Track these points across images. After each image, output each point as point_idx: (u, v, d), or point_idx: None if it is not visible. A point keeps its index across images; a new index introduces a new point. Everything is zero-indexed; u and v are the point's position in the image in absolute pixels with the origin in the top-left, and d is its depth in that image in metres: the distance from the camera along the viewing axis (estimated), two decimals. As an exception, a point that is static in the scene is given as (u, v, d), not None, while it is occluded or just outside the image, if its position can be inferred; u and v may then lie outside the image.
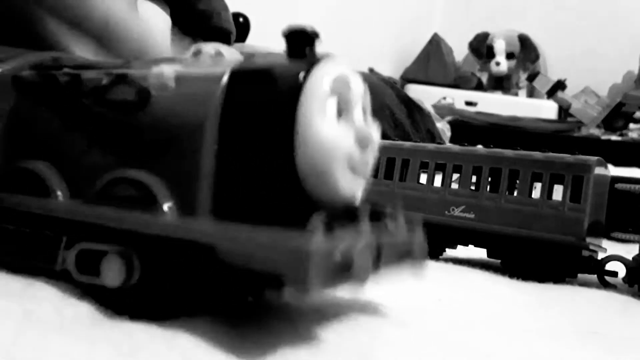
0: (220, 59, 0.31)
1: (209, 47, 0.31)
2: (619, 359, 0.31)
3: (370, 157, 0.29)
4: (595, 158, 0.57)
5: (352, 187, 0.28)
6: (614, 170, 1.05)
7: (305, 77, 0.27)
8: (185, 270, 0.28)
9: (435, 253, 0.61)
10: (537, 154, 0.58)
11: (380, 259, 0.27)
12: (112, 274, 0.28)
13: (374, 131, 0.29)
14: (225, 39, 1.30)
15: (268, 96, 0.27)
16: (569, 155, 0.57)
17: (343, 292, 0.28)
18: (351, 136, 0.27)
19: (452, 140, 1.49)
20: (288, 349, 0.26)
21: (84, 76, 0.32)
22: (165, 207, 0.28)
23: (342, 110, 0.28)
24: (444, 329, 0.32)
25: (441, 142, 1.33)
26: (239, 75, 0.28)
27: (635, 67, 1.94)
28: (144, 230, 0.28)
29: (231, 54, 0.31)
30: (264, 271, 0.26)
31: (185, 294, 0.28)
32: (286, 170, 0.26)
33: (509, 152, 0.59)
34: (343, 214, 0.28)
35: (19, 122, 0.34)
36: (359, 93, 0.29)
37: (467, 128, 1.72)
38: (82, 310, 0.27)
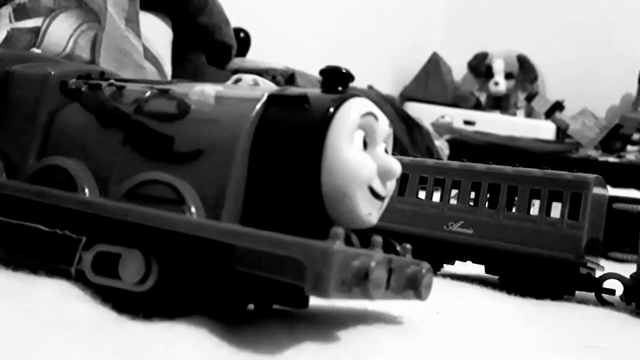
0: (258, 87, 0.34)
1: (248, 77, 0.35)
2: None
3: (390, 188, 0.31)
4: (594, 176, 0.57)
5: (371, 212, 0.30)
6: (611, 191, 1.05)
7: (337, 108, 0.29)
8: (202, 273, 0.29)
9: (433, 268, 0.61)
10: (535, 171, 0.59)
11: (390, 281, 0.28)
12: (131, 275, 0.29)
13: (397, 166, 0.31)
14: (226, 53, 1.31)
15: (301, 120, 0.29)
16: (567, 173, 0.57)
17: (346, 303, 0.28)
18: (374, 167, 0.30)
19: (450, 159, 1.49)
20: (288, 353, 0.26)
21: (127, 88, 0.34)
22: (192, 208, 0.29)
23: (368, 144, 0.30)
24: (442, 339, 0.32)
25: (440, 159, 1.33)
26: (276, 99, 0.31)
27: (633, 89, 1.95)
28: (168, 227, 0.28)
29: (267, 85, 0.33)
30: (280, 275, 0.26)
31: (199, 297, 0.29)
32: (311, 189, 0.29)
33: (507, 169, 0.60)
34: (359, 237, 0.30)
35: (58, 123, 0.35)
36: (385, 132, 0.31)
37: (465, 147, 1.73)
38: (83, 311, 0.27)
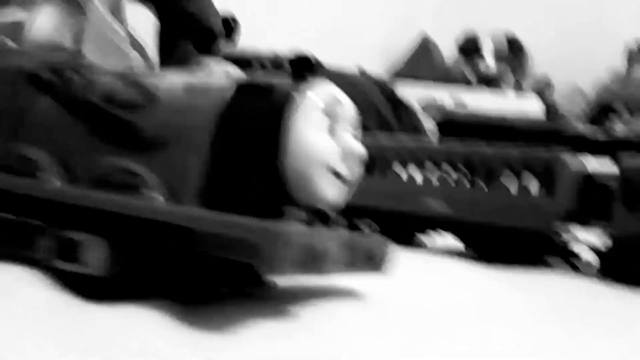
0: (228, 76, 0.34)
1: (219, 67, 0.35)
2: (573, 338, 0.32)
3: (356, 171, 0.32)
4: (568, 149, 0.59)
5: (334, 193, 0.31)
6: (594, 164, 1.06)
7: (301, 93, 0.30)
8: (164, 256, 0.29)
9: (408, 241, 0.63)
10: (511, 147, 0.60)
11: (348, 257, 0.30)
12: (94, 260, 0.30)
13: (361, 149, 0.32)
14: (214, 40, 1.31)
15: (266, 107, 0.31)
16: (541, 148, 0.59)
17: (310, 280, 0.29)
18: (336, 149, 0.31)
19: (439, 140, 1.50)
20: (243, 331, 0.27)
21: (96, 78, 0.35)
22: (155, 194, 0.30)
23: (332, 128, 0.31)
24: (402, 311, 0.33)
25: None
26: (243, 88, 0.32)
27: (622, 65, 1.96)
28: (129, 212, 0.29)
29: (237, 73, 0.34)
30: (239, 256, 0.28)
31: (162, 281, 0.30)
32: (274, 173, 0.30)
33: (484, 146, 0.61)
34: (321, 218, 0.31)
35: (29, 114, 0.36)
36: (349, 116, 0.32)
37: (455, 127, 1.73)
38: (44, 296, 0.28)
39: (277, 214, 0.27)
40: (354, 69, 1.68)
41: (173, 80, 0.33)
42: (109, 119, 0.33)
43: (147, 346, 0.24)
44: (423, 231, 0.63)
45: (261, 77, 0.33)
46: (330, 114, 0.31)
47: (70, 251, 0.30)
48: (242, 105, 0.31)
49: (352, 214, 0.33)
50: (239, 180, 0.30)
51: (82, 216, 0.31)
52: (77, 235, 0.30)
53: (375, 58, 2.14)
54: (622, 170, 0.57)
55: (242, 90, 0.32)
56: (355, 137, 0.33)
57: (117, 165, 0.32)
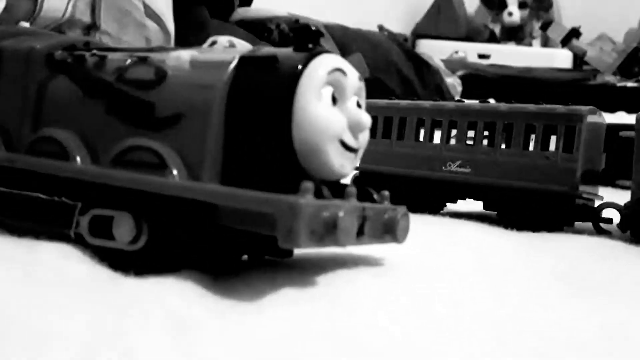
0: (232, 49, 0.35)
1: (223, 39, 0.36)
2: (582, 300, 0.32)
3: (362, 141, 0.33)
4: (588, 107, 0.57)
5: (343, 164, 0.31)
6: (624, 118, 1.04)
7: (305, 66, 0.30)
8: (189, 230, 0.31)
9: (435, 208, 0.63)
10: (530, 106, 0.59)
11: (364, 227, 0.30)
12: (123, 236, 0.31)
13: (367, 119, 0.32)
14: (229, 5, 1.30)
15: (271, 79, 0.31)
16: (561, 106, 0.58)
17: (328, 249, 0.30)
18: (344, 120, 0.31)
19: (463, 95, 1.48)
20: (267, 299, 0.28)
21: (109, 57, 0.36)
22: (175, 171, 0.31)
23: (337, 99, 0.31)
24: (420, 276, 0.34)
25: (449, 97, 1.32)
26: (246, 60, 0.32)
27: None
28: (154, 190, 0.30)
29: (243, 46, 0.34)
30: (259, 229, 0.28)
31: (188, 253, 0.31)
32: (283, 145, 0.30)
33: (502, 106, 0.60)
34: (334, 189, 0.31)
35: (48, 95, 0.37)
36: (355, 86, 0.32)
37: (480, 81, 1.71)
38: (81, 270, 0.30)
39: (292, 187, 0.28)
40: (374, 28, 1.66)
41: (179, 55, 0.33)
42: (122, 98, 0.34)
43: (174, 315, 0.25)
44: (451, 200, 0.63)
45: (264, 49, 0.33)
46: (335, 85, 0.31)
47: (101, 228, 0.32)
48: (248, 80, 0.31)
49: (373, 180, 0.33)
50: (251, 154, 0.31)
51: (110, 195, 0.32)
52: (106, 212, 0.32)
53: (396, 15, 2.10)
54: (639, 123, 0.56)
55: (246, 62, 0.32)
56: (360, 106, 0.33)
57: (136, 144, 0.33)
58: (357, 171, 0.63)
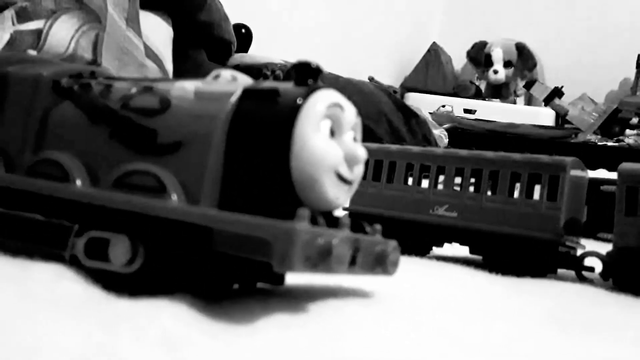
0: (235, 82, 0.36)
1: (227, 72, 0.37)
2: (570, 340, 0.33)
3: (357, 174, 0.34)
4: (571, 158, 0.60)
5: (338, 195, 0.32)
6: (603, 175, 1.07)
7: (304, 99, 0.32)
8: (184, 254, 0.31)
9: (422, 250, 0.64)
10: (516, 155, 0.61)
11: (357, 257, 0.31)
12: (119, 258, 0.31)
13: (362, 152, 0.33)
14: (227, 49, 1.33)
15: (272, 112, 0.32)
16: (545, 156, 0.60)
17: (319, 280, 0.30)
18: (340, 153, 0.32)
19: (449, 147, 1.51)
20: (259, 322, 0.28)
21: (115, 86, 0.37)
22: (174, 195, 0.32)
23: (335, 132, 0.32)
24: (408, 309, 0.34)
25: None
26: (249, 93, 0.33)
27: (631, 74, 1.96)
28: (151, 213, 0.31)
29: (245, 79, 0.36)
30: (253, 254, 0.29)
31: (183, 278, 0.32)
32: (282, 175, 0.31)
33: (489, 154, 0.62)
34: (328, 219, 0.32)
35: (52, 120, 0.38)
36: (352, 121, 0.34)
37: (465, 135, 1.74)
38: (74, 290, 0.30)
39: (288, 215, 0.29)
40: (365, 79, 1.70)
41: (184, 86, 0.35)
42: (126, 124, 0.35)
43: (168, 334, 0.26)
44: (439, 244, 0.64)
45: (266, 83, 0.34)
46: (333, 118, 0.32)
47: (96, 249, 0.32)
48: (250, 111, 0.32)
49: (364, 220, 0.34)
50: (250, 182, 0.32)
51: (108, 217, 0.32)
52: (103, 235, 0.32)
53: (386, 68, 2.16)
54: (620, 176, 0.58)
55: (249, 95, 0.33)
56: (357, 140, 0.34)
57: (137, 169, 0.33)
58: (346, 212, 0.64)
